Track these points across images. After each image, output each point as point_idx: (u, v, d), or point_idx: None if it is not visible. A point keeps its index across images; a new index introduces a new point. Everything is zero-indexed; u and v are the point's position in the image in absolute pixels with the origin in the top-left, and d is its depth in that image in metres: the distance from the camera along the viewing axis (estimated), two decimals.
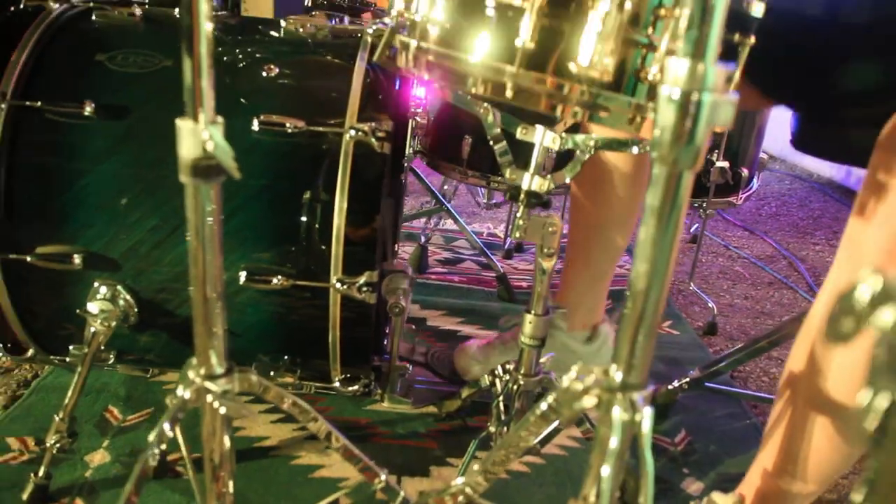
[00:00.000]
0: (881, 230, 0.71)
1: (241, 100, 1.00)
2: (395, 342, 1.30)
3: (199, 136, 0.60)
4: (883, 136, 0.74)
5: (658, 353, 1.54)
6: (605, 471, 0.60)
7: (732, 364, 1.37)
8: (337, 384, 1.13)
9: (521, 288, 1.91)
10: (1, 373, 1.36)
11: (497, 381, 1.13)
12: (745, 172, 1.71)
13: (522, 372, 1.07)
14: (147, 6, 1.24)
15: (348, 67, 1.03)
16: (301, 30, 1.10)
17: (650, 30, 0.70)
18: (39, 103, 0.96)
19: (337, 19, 1.19)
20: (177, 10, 1.14)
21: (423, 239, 2.04)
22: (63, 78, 1.01)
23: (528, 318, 1.04)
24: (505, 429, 1.06)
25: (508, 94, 0.73)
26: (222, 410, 0.67)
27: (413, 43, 0.79)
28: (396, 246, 1.57)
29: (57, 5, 1.08)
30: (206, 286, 0.68)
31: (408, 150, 1.58)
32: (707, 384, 1.34)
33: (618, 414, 0.58)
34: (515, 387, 1.07)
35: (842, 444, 0.78)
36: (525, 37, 0.70)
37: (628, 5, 0.68)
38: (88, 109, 0.96)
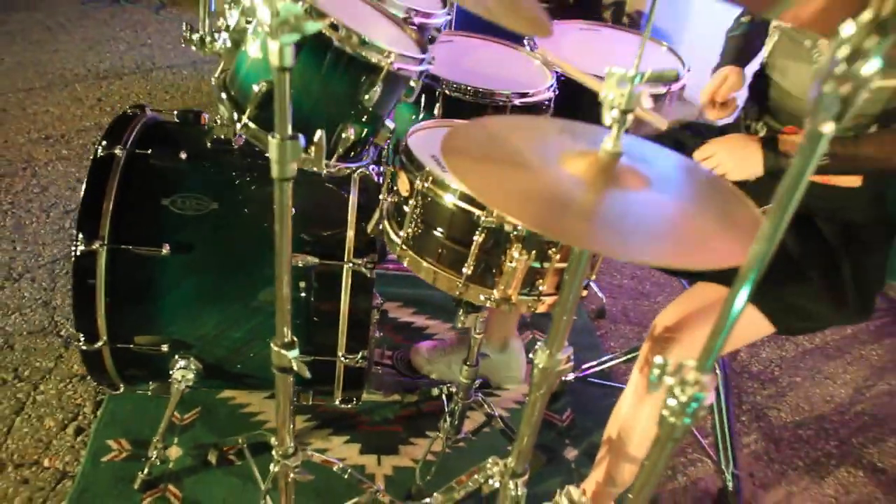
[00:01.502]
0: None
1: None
2: (370, 360, 1.83)
3: (288, 359, 1.09)
4: (654, 330, 1.26)
5: None
6: None
7: (613, 364, 1.99)
8: (336, 402, 1.68)
9: None
10: (79, 380, 1.84)
11: (444, 397, 1.71)
12: None
13: (461, 396, 1.64)
14: (177, 119, 1.63)
15: (343, 206, 1.48)
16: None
17: (543, 261, 1.20)
18: (130, 247, 1.39)
19: None
20: (207, 142, 1.54)
21: None
22: (141, 223, 1.43)
23: (465, 368, 1.59)
24: (450, 434, 1.65)
25: (456, 293, 1.23)
26: (297, 478, 1.21)
27: (397, 244, 1.27)
28: None
29: (121, 151, 1.46)
30: (283, 398, 1.19)
31: None
32: (590, 380, 1.96)
33: (510, 490, 1.16)
34: (457, 407, 1.64)
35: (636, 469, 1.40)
36: (469, 264, 1.19)
37: (533, 254, 1.17)
38: (165, 251, 1.40)
